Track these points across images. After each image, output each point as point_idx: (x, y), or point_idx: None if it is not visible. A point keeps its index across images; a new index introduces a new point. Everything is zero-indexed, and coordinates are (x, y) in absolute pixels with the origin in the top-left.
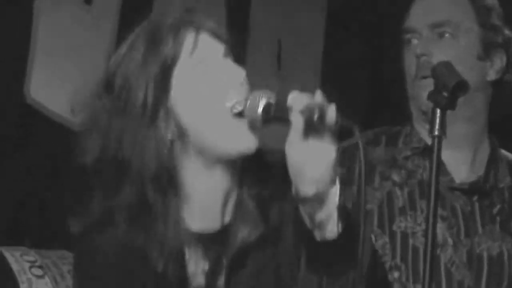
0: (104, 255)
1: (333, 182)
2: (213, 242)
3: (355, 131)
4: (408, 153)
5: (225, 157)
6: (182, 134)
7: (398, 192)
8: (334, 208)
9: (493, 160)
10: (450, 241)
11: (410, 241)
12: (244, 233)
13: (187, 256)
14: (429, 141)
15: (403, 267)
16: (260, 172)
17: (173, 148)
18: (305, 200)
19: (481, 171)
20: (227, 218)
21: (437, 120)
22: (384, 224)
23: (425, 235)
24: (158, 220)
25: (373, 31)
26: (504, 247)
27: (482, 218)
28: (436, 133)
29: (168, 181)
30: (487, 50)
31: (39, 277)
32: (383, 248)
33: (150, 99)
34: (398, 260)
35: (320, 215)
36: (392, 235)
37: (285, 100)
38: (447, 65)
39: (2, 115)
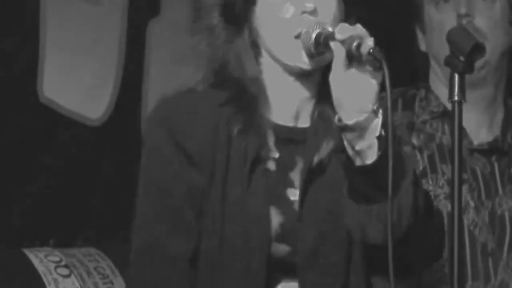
0: (185, 117)
1: (374, 114)
2: (285, 136)
3: (383, 64)
4: (427, 117)
5: (289, 70)
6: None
7: (418, 155)
8: (374, 138)
9: (509, 120)
10: (471, 203)
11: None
12: (329, 148)
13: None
14: (448, 104)
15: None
16: None
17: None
18: (346, 128)
19: (497, 132)
20: (303, 121)
21: (456, 85)
22: None
23: (451, 202)
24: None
25: None
26: None
27: (501, 178)
28: (456, 98)
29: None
30: None
31: (65, 276)
32: None
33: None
34: None
35: (360, 144)
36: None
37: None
38: (462, 29)
39: (17, 116)
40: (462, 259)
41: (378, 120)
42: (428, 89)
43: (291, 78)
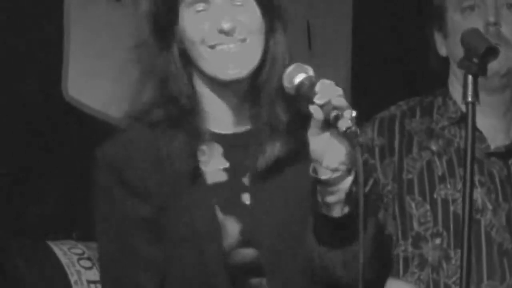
0: (125, 151)
1: (348, 173)
2: (231, 143)
3: (356, 142)
4: (445, 123)
5: (215, 80)
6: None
7: (437, 161)
8: (343, 195)
9: None
10: (489, 205)
11: (451, 208)
12: (274, 150)
13: (203, 153)
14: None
15: (444, 234)
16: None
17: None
18: (319, 181)
19: None
20: (243, 125)
21: (470, 87)
22: (425, 193)
23: (463, 199)
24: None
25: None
26: None
27: None
28: (470, 99)
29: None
30: None
31: (88, 268)
32: (424, 215)
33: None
34: (439, 227)
35: (329, 198)
36: (433, 202)
37: (316, 83)
38: (476, 32)
39: (42, 114)
40: (478, 259)
41: (350, 179)
42: (445, 95)
43: (218, 87)
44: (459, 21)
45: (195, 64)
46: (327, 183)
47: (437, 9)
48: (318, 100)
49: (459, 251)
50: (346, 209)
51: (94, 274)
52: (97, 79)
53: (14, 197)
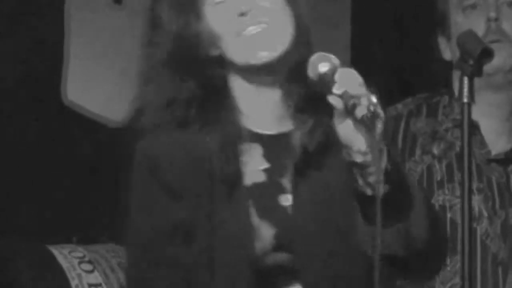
0: (164, 150)
1: (380, 152)
2: (272, 143)
3: (373, 131)
4: (449, 125)
5: (248, 74)
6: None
7: (437, 165)
8: (381, 174)
9: None
10: (485, 213)
11: (448, 214)
12: (304, 140)
13: (243, 153)
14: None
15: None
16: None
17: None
18: (354, 164)
19: None
20: (286, 126)
21: (465, 88)
22: None
23: (461, 207)
24: (215, 114)
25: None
26: None
27: None
28: (465, 100)
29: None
30: None
31: (89, 272)
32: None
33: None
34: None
35: (371, 178)
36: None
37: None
38: (471, 33)
39: (41, 118)
40: (473, 268)
41: (384, 156)
42: (451, 95)
43: (255, 80)
44: (461, 22)
45: (229, 61)
46: (364, 165)
47: (440, 13)
48: (335, 90)
49: (454, 257)
50: (387, 187)
51: (95, 278)
52: (96, 83)
53: (13, 201)
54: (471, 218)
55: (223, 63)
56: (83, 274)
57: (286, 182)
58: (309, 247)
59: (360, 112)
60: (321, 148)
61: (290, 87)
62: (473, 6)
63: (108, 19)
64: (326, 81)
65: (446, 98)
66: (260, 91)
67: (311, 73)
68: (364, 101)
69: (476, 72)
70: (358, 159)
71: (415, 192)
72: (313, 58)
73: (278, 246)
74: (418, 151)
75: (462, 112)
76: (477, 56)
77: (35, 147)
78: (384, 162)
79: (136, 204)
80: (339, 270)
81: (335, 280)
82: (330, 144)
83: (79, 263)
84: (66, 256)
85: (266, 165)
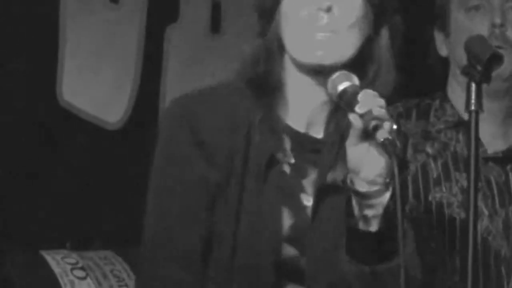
0: (206, 108)
1: (386, 187)
2: (300, 141)
3: (392, 157)
4: (441, 126)
5: (304, 69)
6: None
7: (432, 163)
8: (381, 208)
9: None
10: (485, 211)
11: (446, 211)
12: (344, 166)
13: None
14: (463, 112)
15: (439, 237)
16: None
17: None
18: (356, 194)
19: None
20: (316, 131)
21: (473, 95)
22: (419, 195)
23: (466, 212)
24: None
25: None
26: None
27: None
28: (473, 107)
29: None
30: None
31: (82, 278)
32: (418, 218)
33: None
34: (434, 230)
35: (368, 211)
36: (427, 205)
37: (359, 92)
38: (480, 39)
39: (36, 119)
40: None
41: (388, 194)
42: (443, 98)
43: (308, 78)
44: (463, 21)
45: (287, 49)
46: (365, 196)
47: (439, 8)
48: (359, 109)
49: (453, 255)
50: (384, 224)
51: (88, 285)
52: (92, 84)
53: (7, 206)
54: (476, 223)
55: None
56: (76, 280)
57: (307, 184)
58: (319, 250)
59: (382, 135)
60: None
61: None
62: (477, 8)
63: (105, 18)
64: (348, 99)
65: (437, 102)
66: (307, 87)
67: (331, 90)
68: (387, 125)
69: (484, 78)
70: (362, 188)
71: (408, 232)
72: (334, 76)
73: (291, 239)
74: (410, 150)
75: (469, 120)
76: (485, 62)
77: (30, 150)
78: (387, 198)
79: (167, 159)
80: (342, 283)
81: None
82: None
83: (72, 269)
84: (59, 262)
85: (292, 160)
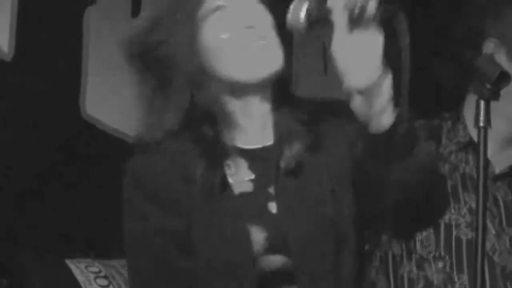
0: (157, 164)
1: (384, 73)
2: (257, 157)
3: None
4: (453, 148)
5: (243, 87)
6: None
7: None
8: (388, 99)
9: None
10: (492, 230)
11: (454, 232)
12: (293, 151)
13: (228, 168)
14: (474, 134)
15: (446, 258)
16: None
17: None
18: (359, 94)
19: None
20: (268, 138)
21: (482, 112)
22: None
23: (475, 229)
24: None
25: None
26: None
27: None
28: (481, 124)
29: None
30: None
31: (104, 286)
32: (427, 239)
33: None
34: (441, 250)
35: (375, 108)
36: (436, 226)
37: (325, 2)
38: (489, 57)
39: (60, 132)
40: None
41: (389, 78)
42: (455, 119)
43: (248, 97)
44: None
45: (223, 77)
46: (368, 92)
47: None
48: (338, 4)
49: (462, 275)
50: (392, 118)
51: None
52: (115, 97)
53: (32, 215)
54: (484, 243)
55: (215, 81)
56: None
57: (273, 190)
58: (303, 248)
59: (371, 10)
60: (307, 150)
61: (275, 101)
62: None
63: (127, 33)
64: (318, 14)
65: (449, 123)
66: (249, 106)
67: (294, 22)
68: (372, 2)
69: (493, 96)
70: (362, 84)
71: (420, 141)
72: (289, 13)
73: (272, 249)
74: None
75: (478, 136)
76: (494, 80)
77: (54, 161)
78: (389, 85)
79: (132, 219)
80: (333, 269)
81: (330, 280)
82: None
83: (95, 278)
84: (83, 271)
85: (252, 176)
